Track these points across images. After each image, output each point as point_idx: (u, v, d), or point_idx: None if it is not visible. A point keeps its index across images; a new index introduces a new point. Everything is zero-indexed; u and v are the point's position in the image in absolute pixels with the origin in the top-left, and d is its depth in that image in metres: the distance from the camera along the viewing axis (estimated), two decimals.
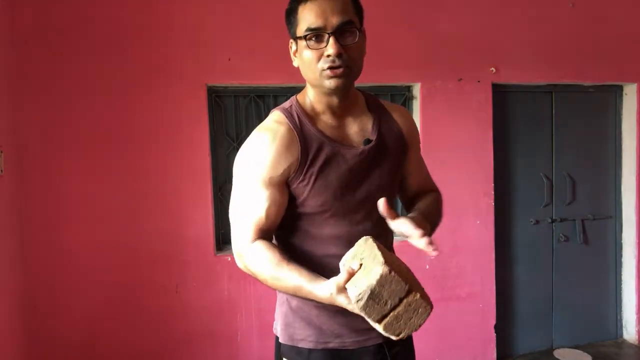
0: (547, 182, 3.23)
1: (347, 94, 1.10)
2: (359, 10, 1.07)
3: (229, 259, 2.60)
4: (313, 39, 1.01)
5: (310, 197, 1.08)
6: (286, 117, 1.09)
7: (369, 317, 0.84)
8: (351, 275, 0.87)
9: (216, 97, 2.66)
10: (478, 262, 2.99)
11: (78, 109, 2.40)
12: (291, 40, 1.09)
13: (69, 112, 2.39)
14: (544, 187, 3.23)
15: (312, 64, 1.02)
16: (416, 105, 2.86)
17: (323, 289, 0.93)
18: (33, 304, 2.36)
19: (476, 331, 3.01)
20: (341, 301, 0.89)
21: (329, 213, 1.10)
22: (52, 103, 2.37)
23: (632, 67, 3.24)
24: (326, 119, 1.11)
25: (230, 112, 2.70)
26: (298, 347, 1.17)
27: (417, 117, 2.83)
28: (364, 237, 0.95)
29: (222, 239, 2.72)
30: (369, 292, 0.80)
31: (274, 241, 1.18)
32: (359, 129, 1.14)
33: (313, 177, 1.07)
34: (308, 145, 1.07)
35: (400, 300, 0.81)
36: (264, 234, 1.11)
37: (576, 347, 3.31)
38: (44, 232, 2.37)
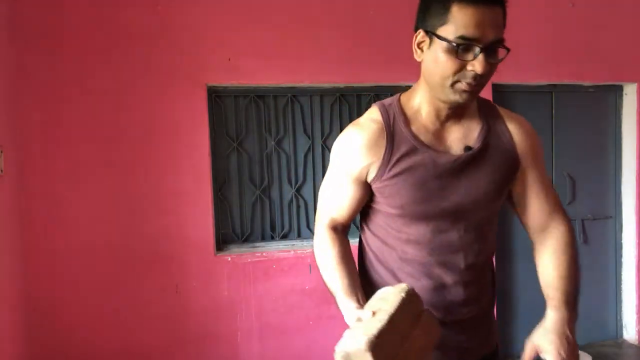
0: None
1: (467, 105, 1.05)
2: (505, 24, 0.96)
3: (229, 259, 2.60)
4: (460, 47, 0.91)
5: (390, 197, 1.06)
6: (381, 114, 1.07)
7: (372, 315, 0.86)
8: (359, 320, 0.88)
9: (216, 97, 2.66)
10: None
11: (78, 109, 2.40)
12: (421, 31, 0.98)
13: (69, 112, 2.39)
14: None
15: (448, 73, 0.94)
16: None
17: (347, 312, 0.96)
18: (33, 303, 2.36)
19: None
20: None
21: (409, 217, 1.06)
22: (52, 103, 2.37)
23: (632, 67, 3.24)
24: (426, 123, 1.06)
25: (230, 112, 2.70)
26: None
27: None
28: (404, 286, 0.92)
29: (222, 239, 2.72)
30: (345, 355, 0.81)
31: (358, 234, 1.22)
32: (461, 135, 1.06)
33: (394, 179, 1.04)
34: (395, 147, 1.03)
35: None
36: (338, 224, 1.14)
37: None
38: (44, 232, 2.37)
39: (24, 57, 2.32)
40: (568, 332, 1.01)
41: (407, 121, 1.06)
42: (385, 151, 1.03)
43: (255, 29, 2.58)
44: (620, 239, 3.41)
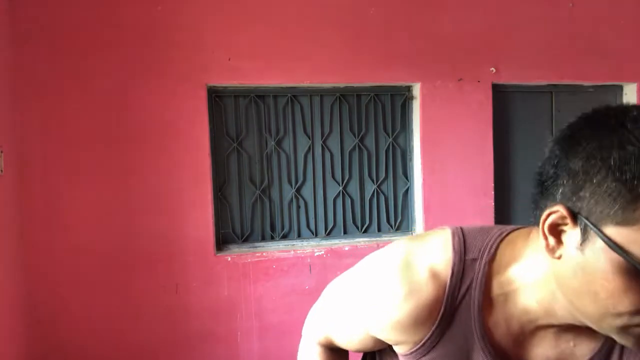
0: None
1: None
2: None
3: (229, 259, 2.60)
4: None
5: None
6: (451, 277, 0.64)
7: None
8: None
9: (216, 97, 2.66)
10: None
11: (78, 109, 2.40)
12: (565, 211, 0.53)
13: (69, 112, 2.39)
14: None
15: (627, 310, 0.50)
16: (416, 105, 2.86)
17: None
18: (33, 303, 2.36)
19: None
20: None
21: None
22: (52, 103, 2.37)
23: (632, 67, 3.24)
24: (514, 319, 0.64)
25: (230, 112, 2.70)
26: None
27: (417, 117, 2.83)
28: None
29: (222, 239, 2.72)
30: None
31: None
32: (557, 356, 0.64)
33: None
34: (444, 339, 0.65)
35: None
36: (335, 346, 0.85)
37: None
38: (44, 232, 2.37)
39: (24, 57, 2.32)
40: None
41: (485, 303, 0.64)
42: (430, 337, 0.65)
43: (255, 29, 2.58)
44: None
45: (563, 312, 0.58)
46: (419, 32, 2.80)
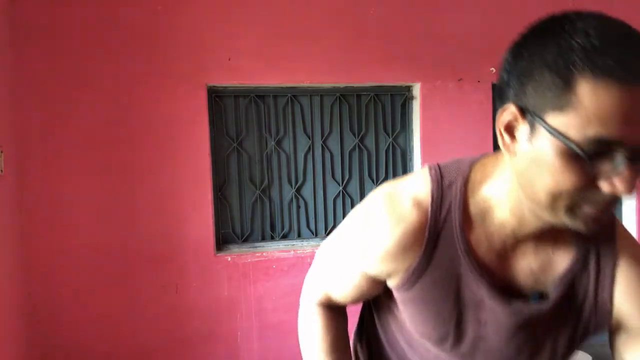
0: None
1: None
2: None
3: (229, 259, 2.60)
4: (594, 153, 0.52)
5: (412, 317, 0.75)
6: (433, 199, 0.69)
7: None
8: None
9: (216, 97, 2.66)
10: None
11: (78, 108, 2.40)
12: (511, 106, 0.59)
13: (69, 112, 2.39)
14: None
15: (567, 189, 0.55)
16: (416, 105, 2.86)
17: None
18: (33, 303, 2.36)
19: None
20: None
21: (430, 345, 0.76)
22: (52, 103, 2.37)
23: None
24: (494, 232, 0.68)
25: (230, 112, 2.70)
26: None
27: (417, 117, 2.83)
28: None
29: (222, 239, 2.72)
30: None
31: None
32: (539, 267, 0.69)
33: (421, 302, 0.72)
34: (432, 262, 0.69)
35: None
36: (333, 303, 0.87)
37: None
38: (44, 231, 2.37)
39: (24, 57, 2.32)
40: None
41: (466, 222, 0.68)
42: (417, 263, 0.69)
43: (255, 29, 2.58)
44: None
45: (530, 215, 0.63)
46: (419, 32, 2.80)
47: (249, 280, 2.61)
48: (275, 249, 2.68)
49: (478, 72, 2.92)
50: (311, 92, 2.76)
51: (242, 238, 2.74)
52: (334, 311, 0.88)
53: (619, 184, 0.53)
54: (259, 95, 2.72)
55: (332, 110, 2.80)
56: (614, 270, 0.68)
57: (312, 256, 2.68)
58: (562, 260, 0.69)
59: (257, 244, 2.73)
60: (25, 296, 2.34)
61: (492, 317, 0.69)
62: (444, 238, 0.68)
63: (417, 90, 2.84)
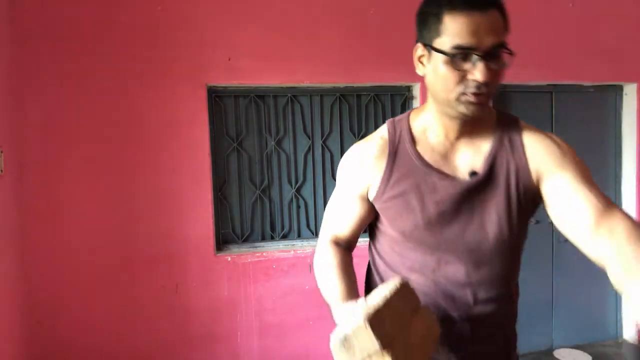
0: None
1: (479, 118, 0.94)
2: (507, 26, 0.89)
3: (229, 259, 2.60)
4: (458, 57, 0.86)
5: (392, 220, 1.01)
6: (389, 131, 1.03)
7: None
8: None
9: (216, 97, 2.66)
10: None
11: (78, 108, 2.40)
12: (419, 45, 0.93)
13: (69, 112, 2.39)
14: None
15: (450, 85, 0.88)
16: (416, 105, 2.86)
17: (341, 313, 0.91)
18: (33, 303, 2.36)
19: None
20: None
21: (412, 243, 1.00)
22: (52, 103, 2.37)
23: (632, 67, 3.24)
24: (434, 142, 0.99)
25: (230, 112, 2.70)
26: None
27: None
28: (398, 278, 0.90)
29: (222, 239, 2.72)
30: (343, 337, 0.79)
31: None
32: (470, 156, 0.97)
33: (394, 201, 0.99)
34: (396, 166, 0.99)
35: (370, 356, 0.79)
36: (340, 240, 1.11)
37: (576, 347, 3.31)
38: (44, 232, 2.37)
39: (24, 57, 2.32)
40: None
41: (413, 139, 1.00)
42: (386, 169, 0.99)
43: (255, 29, 2.58)
44: None
45: (446, 121, 0.96)
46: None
47: (249, 280, 2.61)
48: (275, 249, 2.68)
49: None
50: (311, 92, 2.76)
51: (242, 238, 2.74)
52: (342, 247, 1.10)
53: (478, 74, 0.85)
54: (259, 95, 2.72)
55: (332, 110, 2.80)
56: (522, 139, 0.97)
57: (312, 256, 2.68)
58: (485, 146, 0.98)
59: (257, 244, 2.73)
60: (25, 296, 2.34)
61: (444, 193, 0.95)
62: (400, 151, 1.00)
63: (417, 90, 2.84)
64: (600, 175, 3.38)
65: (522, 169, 0.95)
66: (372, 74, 2.72)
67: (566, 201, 0.90)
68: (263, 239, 2.78)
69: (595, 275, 3.40)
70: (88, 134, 2.41)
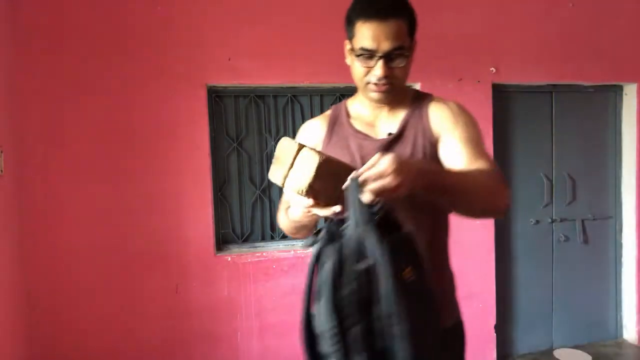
0: (547, 182, 3.23)
1: (388, 101, 1.20)
2: (412, 27, 1.12)
3: (229, 259, 2.60)
4: (365, 56, 1.10)
5: None
6: (332, 110, 1.32)
7: (278, 182, 0.96)
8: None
9: (216, 97, 2.66)
10: (478, 262, 2.99)
11: (78, 109, 2.40)
12: (347, 41, 1.17)
13: (69, 112, 2.39)
14: (544, 187, 3.23)
15: (360, 76, 1.15)
16: None
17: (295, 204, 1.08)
18: (33, 303, 2.36)
19: (476, 331, 3.01)
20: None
21: None
22: (52, 103, 2.37)
23: (632, 67, 3.24)
24: (364, 115, 1.26)
25: (230, 112, 2.70)
26: None
27: None
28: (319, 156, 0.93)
29: (222, 239, 2.72)
30: (274, 158, 0.95)
31: None
32: (389, 123, 1.23)
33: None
34: (334, 133, 1.26)
35: (294, 159, 0.93)
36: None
37: (576, 347, 3.31)
38: (44, 232, 2.37)
39: (24, 57, 2.32)
40: (420, 166, 0.96)
41: (348, 114, 1.28)
42: (326, 135, 1.27)
43: (255, 29, 2.58)
44: (620, 239, 3.41)
45: (363, 100, 1.24)
46: (419, 32, 2.78)
47: (249, 280, 2.61)
48: (275, 249, 2.67)
49: (478, 72, 2.92)
50: (311, 92, 2.76)
51: (242, 238, 2.74)
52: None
53: (377, 70, 1.10)
54: (259, 95, 2.72)
55: None
56: (428, 108, 1.21)
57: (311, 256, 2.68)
58: (401, 115, 1.22)
59: (257, 244, 2.73)
60: (25, 296, 2.34)
61: (368, 149, 1.18)
62: (338, 123, 1.27)
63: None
64: (600, 175, 3.38)
65: (427, 130, 1.19)
66: None
67: (449, 156, 1.15)
68: (263, 239, 2.78)
69: (595, 275, 3.40)
70: (88, 134, 2.41)
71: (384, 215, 0.87)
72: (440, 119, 1.19)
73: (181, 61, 2.50)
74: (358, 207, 0.85)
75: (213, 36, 2.53)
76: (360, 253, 0.84)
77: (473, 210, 1.09)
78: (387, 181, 0.84)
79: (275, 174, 0.96)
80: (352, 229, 0.86)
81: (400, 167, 0.85)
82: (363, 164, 1.07)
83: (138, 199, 2.47)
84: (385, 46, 1.07)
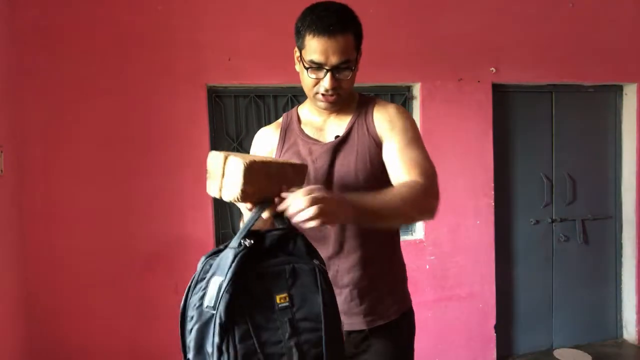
0: (547, 182, 3.23)
1: (336, 109, 1.27)
2: (358, 41, 1.18)
3: None
4: (314, 68, 1.16)
5: None
6: (283, 118, 1.38)
7: (215, 194, 0.97)
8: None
9: (216, 97, 2.66)
10: (478, 262, 2.99)
11: (78, 109, 2.40)
12: (296, 49, 1.23)
13: (69, 112, 2.39)
14: (544, 187, 3.23)
15: (309, 86, 1.20)
16: (416, 105, 2.86)
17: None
18: (33, 303, 2.36)
19: (476, 331, 3.01)
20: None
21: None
22: (52, 103, 2.37)
23: (632, 67, 3.24)
24: (313, 121, 1.32)
25: (230, 112, 2.70)
26: None
27: (417, 117, 2.83)
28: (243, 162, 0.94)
29: (222, 239, 2.71)
30: (207, 173, 0.97)
31: None
32: (336, 127, 1.29)
33: None
34: (286, 139, 1.32)
35: (223, 169, 0.94)
36: None
37: (576, 347, 3.31)
38: (44, 232, 2.37)
39: (24, 57, 2.32)
40: (341, 198, 0.98)
41: (299, 120, 1.33)
42: (279, 142, 1.33)
43: (255, 29, 2.57)
44: (620, 239, 3.41)
45: (312, 106, 1.30)
46: (419, 32, 2.80)
47: None
48: None
49: (478, 72, 2.92)
50: None
51: None
52: None
53: (325, 82, 1.16)
54: (259, 95, 2.72)
55: None
56: (372, 112, 1.27)
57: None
58: (347, 119, 1.28)
59: None
60: (25, 296, 2.34)
61: (319, 152, 1.25)
62: (289, 130, 1.33)
63: (417, 90, 2.84)
64: (600, 175, 3.38)
65: (371, 132, 1.25)
66: (372, 74, 2.72)
67: (388, 161, 1.22)
68: None
69: (595, 275, 3.40)
70: (88, 134, 2.41)
71: (282, 238, 0.93)
72: (382, 123, 1.26)
73: (181, 61, 2.50)
74: (241, 232, 0.94)
75: (213, 36, 2.53)
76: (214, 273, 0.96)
77: (400, 223, 1.22)
78: (308, 215, 0.86)
79: (211, 188, 0.97)
80: (231, 244, 0.95)
81: (321, 201, 0.87)
82: (314, 168, 1.25)
83: (138, 199, 2.47)
84: (334, 60, 1.13)
